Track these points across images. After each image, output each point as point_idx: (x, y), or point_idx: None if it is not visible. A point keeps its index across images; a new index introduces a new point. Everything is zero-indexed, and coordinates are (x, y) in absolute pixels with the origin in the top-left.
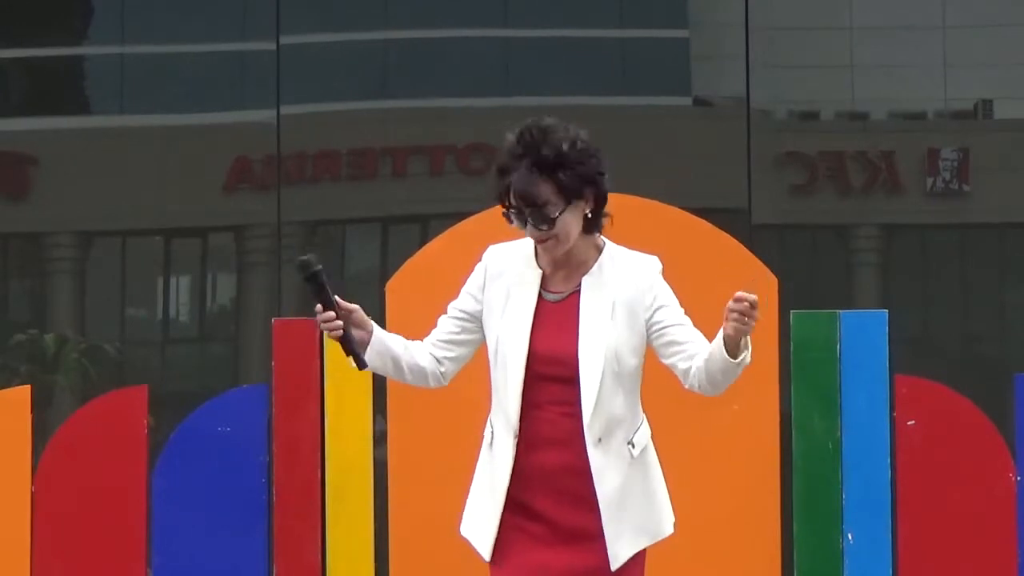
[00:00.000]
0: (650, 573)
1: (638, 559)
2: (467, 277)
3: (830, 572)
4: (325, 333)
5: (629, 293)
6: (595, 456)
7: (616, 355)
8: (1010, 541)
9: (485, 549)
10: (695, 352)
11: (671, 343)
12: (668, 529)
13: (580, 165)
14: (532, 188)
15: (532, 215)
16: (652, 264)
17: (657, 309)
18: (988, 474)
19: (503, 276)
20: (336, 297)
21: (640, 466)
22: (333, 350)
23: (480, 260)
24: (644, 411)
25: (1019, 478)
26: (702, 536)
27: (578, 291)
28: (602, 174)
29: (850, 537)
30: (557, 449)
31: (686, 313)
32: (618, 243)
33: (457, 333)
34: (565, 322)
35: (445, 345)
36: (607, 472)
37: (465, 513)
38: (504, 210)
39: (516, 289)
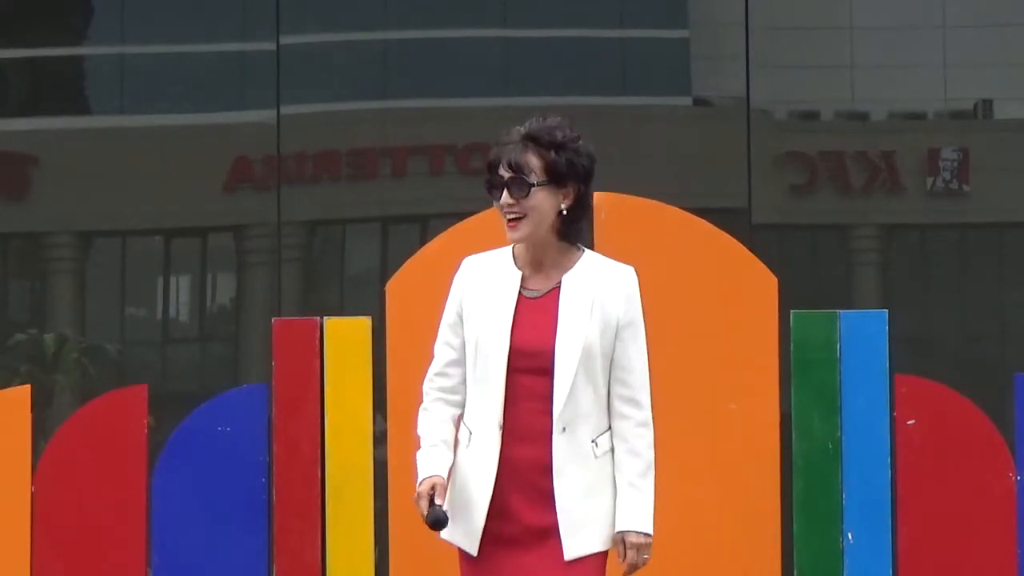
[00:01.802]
0: (650, 573)
1: (595, 563)
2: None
3: (830, 572)
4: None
5: (607, 297)
6: (559, 444)
7: (591, 351)
8: (1010, 541)
9: (472, 546)
10: (626, 398)
11: (616, 368)
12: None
13: (574, 155)
14: (521, 156)
15: (512, 181)
16: (630, 274)
17: (625, 327)
18: (988, 474)
19: (481, 279)
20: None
21: (602, 468)
22: (333, 350)
23: (456, 275)
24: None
25: (1019, 478)
26: (702, 536)
27: (558, 287)
28: (591, 176)
29: (850, 537)
30: (531, 446)
31: (683, 314)
32: (619, 242)
33: (458, 361)
34: (544, 316)
35: (455, 371)
36: (569, 464)
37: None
38: (486, 182)
39: (495, 288)
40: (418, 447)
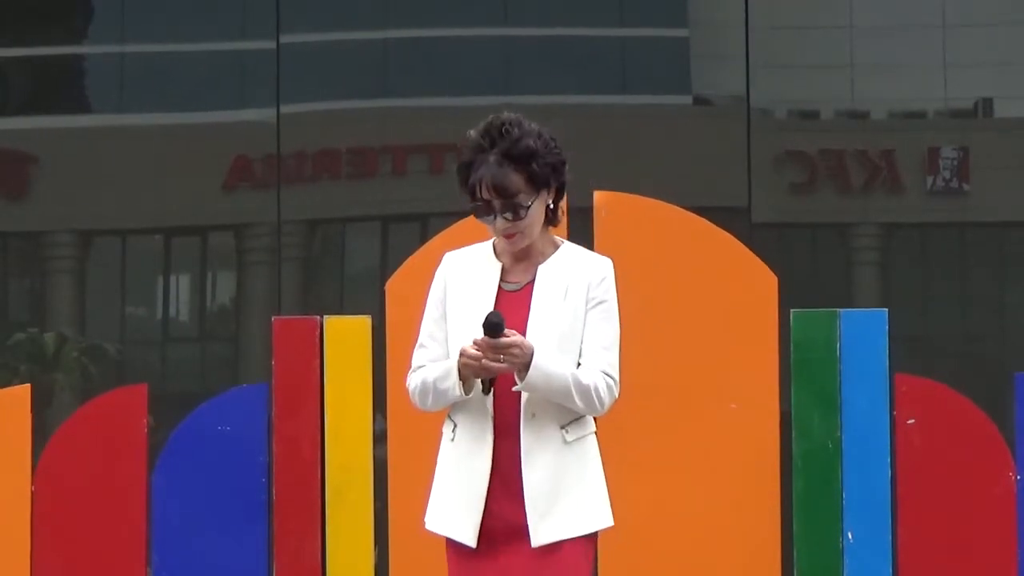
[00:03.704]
0: (649, 573)
1: (570, 550)
2: None
3: (830, 572)
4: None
5: (581, 281)
6: (526, 433)
7: (565, 338)
8: (1010, 541)
9: (469, 537)
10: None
11: (585, 344)
12: (603, 523)
13: (548, 155)
14: (505, 179)
15: (503, 207)
16: (604, 262)
17: (595, 306)
18: (988, 474)
19: (463, 275)
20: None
21: (574, 454)
22: (333, 350)
23: (436, 270)
24: (641, 412)
25: (1019, 478)
26: (702, 536)
27: (535, 279)
28: (564, 163)
29: (850, 537)
30: (509, 438)
31: (683, 313)
32: (619, 241)
33: (443, 356)
34: (521, 309)
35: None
36: (536, 451)
37: (431, 508)
38: (471, 204)
39: (476, 283)
40: (424, 387)
